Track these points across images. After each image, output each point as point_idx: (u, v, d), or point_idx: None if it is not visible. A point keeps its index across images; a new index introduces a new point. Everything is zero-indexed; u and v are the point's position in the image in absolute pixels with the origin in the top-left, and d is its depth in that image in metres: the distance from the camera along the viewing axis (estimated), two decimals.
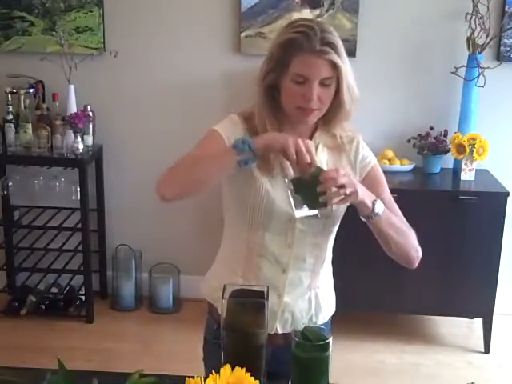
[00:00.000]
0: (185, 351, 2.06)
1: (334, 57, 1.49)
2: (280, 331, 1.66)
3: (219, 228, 1.74)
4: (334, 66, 1.51)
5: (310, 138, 1.63)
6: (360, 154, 1.66)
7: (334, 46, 1.50)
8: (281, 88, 1.56)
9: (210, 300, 1.73)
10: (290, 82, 1.53)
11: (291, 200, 1.49)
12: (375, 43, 3.39)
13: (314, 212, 1.48)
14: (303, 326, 1.38)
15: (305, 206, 1.47)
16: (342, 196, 1.43)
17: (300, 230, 1.60)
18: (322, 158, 1.62)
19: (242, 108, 1.68)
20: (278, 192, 1.58)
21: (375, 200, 1.52)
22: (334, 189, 1.42)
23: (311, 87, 1.50)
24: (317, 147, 1.62)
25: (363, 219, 1.55)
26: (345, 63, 1.53)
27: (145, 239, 3.68)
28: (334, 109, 1.58)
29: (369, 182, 1.65)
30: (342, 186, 1.42)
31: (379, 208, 1.52)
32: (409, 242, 1.62)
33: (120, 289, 3.64)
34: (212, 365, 1.65)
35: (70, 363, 1.27)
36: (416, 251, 1.65)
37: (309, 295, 1.68)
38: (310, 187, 1.44)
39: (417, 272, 3.20)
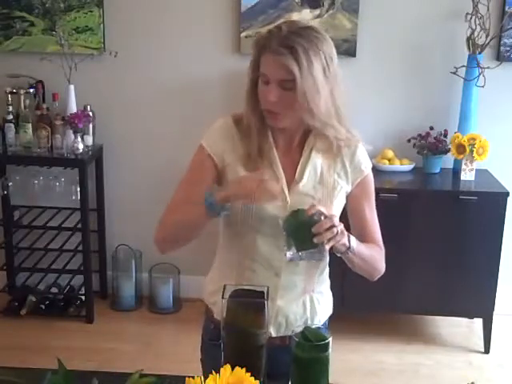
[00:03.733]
0: (185, 351, 2.06)
1: (288, 60, 1.44)
2: (274, 335, 1.65)
3: (219, 228, 1.74)
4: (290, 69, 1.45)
5: (303, 142, 1.62)
6: (355, 160, 1.64)
7: (293, 50, 1.44)
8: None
9: (207, 303, 1.73)
10: (260, 82, 1.52)
11: (285, 242, 1.48)
12: (375, 43, 3.39)
13: (305, 253, 1.47)
14: (303, 327, 1.38)
15: (294, 247, 1.46)
16: (335, 233, 1.42)
17: None
18: (316, 162, 1.61)
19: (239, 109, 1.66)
20: None
21: (349, 235, 1.52)
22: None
23: (269, 88, 1.49)
24: (310, 151, 1.61)
25: (339, 255, 1.55)
26: (304, 68, 1.44)
27: (145, 239, 3.64)
28: (309, 116, 1.54)
29: (357, 192, 1.65)
30: (334, 226, 1.43)
31: (353, 243, 1.53)
32: (374, 266, 1.66)
33: (120, 289, 3.65)
34: (209, 365, 1.66)
35: (70, 363, 1.27)
36: (379, 272, 1.69)
37: (303, 299, 1.67)
38: (303, 228, 1.43)
39: (417, 272, 3.23)
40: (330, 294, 1.78)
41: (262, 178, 1.45)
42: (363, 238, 1.65)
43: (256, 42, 1.53)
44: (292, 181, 1.59)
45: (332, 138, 1.59)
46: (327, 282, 1.76)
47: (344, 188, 1.63)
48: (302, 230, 1.44)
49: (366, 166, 1.66)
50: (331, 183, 1.61)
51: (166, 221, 1.60)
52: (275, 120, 1.55)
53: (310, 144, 1.61)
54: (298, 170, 1.60)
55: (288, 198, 1.57)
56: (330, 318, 1.77)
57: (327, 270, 1.74)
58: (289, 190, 1.58)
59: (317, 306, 1.70)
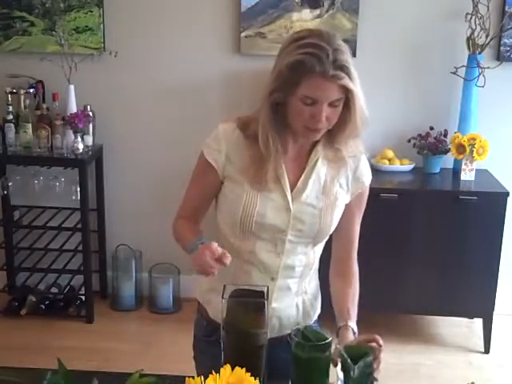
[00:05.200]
0: (185, 351, 2.05)
1: (347, 82, 1.43)
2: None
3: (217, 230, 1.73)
4: (345, 88, 1.44)
5: (311, 151, 1.60)
6: (358, 171, 1.64)
7: (346, 69, 1.43)
8: (287, 105, 1.50)
9: (201, 301, 1.75)
10: (298, 102, 1.47)
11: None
12: (375, 43, 3.39)
13: None
14: (303, 326, 1.38)
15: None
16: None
17: (290, 241, 1.59)
18: (321, 171, 1.60)
19: (243, 110, 1.64)
20: (269, 204, 1.56)
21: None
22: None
23: (320, 109, 1.45)
24: (317, 160, 1.60)
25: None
26: (355, 84, 1.46)
27: (145, 239, 3.68)
28: (340, 126, 1.53)
29: (354, 203, 1.66)
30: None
31: (355, 327, 1.58)
32: None
33: (120, 289, 3.64)
34: (203, 362, 1.67)
35: (70, 363, 1.27)
36: None
37: (296, 301, 1.68)
38: (367, 369, 1.39)
39: (417, 272, 3.23)
40: (319, 293, 1.78)
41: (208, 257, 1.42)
42: (345, 251, 1.70)
43: (295, 66, 1.44)
44: (296, 190, 1.59)
45: (342, 149, 1.59)
46: (317, 282, 1.77)
47: (344, 199, 1.63)
48: (365, 371, 1.39)
49: (367, 178, 1.66)
50: (334, 193, 1.61)
51: (173, 226, 1.69)
52: (315, 136, 1.54)
53: (317, 153, 1.60)
54: (301, 180, 1.59)
55: (291, 207, 1.57)
56: (320, 316, 1.77)
57: (316, 268, 1.74)
58: (292, 200, 1.58)
59: (308, 307, 1.72)
